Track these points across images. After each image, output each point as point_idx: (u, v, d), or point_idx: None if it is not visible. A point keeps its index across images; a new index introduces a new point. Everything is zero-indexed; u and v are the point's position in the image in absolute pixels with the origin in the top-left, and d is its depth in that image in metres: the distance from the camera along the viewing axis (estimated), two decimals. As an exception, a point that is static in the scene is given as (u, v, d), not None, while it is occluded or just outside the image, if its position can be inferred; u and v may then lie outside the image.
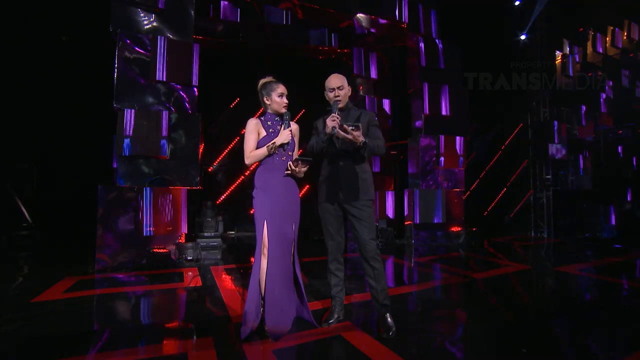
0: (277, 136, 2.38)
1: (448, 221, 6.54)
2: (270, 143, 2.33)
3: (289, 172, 2.35)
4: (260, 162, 2.40)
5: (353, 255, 5.04)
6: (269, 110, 2.47)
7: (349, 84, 2.53)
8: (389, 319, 2.37)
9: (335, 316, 2.53)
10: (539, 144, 7.85)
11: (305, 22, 7.10)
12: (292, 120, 2.49)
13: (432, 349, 2.22)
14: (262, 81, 2.49)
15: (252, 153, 2.36)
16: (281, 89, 2.42)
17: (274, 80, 2.47)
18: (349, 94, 2.52)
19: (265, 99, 2.45)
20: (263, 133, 2.41)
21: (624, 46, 9.57)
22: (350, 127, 2.21)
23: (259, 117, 2.48)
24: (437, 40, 6.67)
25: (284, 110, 2.42)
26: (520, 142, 8.38)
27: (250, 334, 2.22)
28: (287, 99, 2.44)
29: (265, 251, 2.28)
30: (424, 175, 6.46)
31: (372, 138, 2.41)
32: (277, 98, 2.41)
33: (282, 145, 2.37)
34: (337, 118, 2.27)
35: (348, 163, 2.42)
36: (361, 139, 2.25)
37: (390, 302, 2.41)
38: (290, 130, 2.39)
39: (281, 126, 2.41)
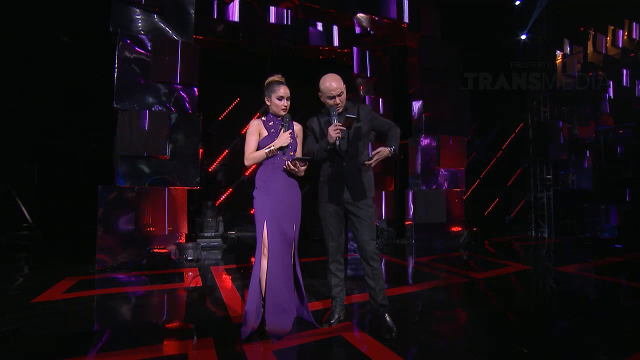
0: (278, 136, 2.38)
1: (448, 221, 6.54)
2: (268, 146, 2.33)
3: (287, 169, 2.34)
4: (261, 162, 2.40)
5: (353, 256, 5.04)
6: (270, 111, 2.46)
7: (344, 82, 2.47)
8: (388, 319, 2.37)
9: (336, 316, 2.52)
10: (539, 144, 7.84)
11: (306, 22, 7.10)
12: (292, 120, 2.48)
13: (433, 349, 2.22)
14: (267, 79, 2.46)
15: (251, 155, 2.36)
16: (282, 91, 2.39)
17: (277, 80, 2.43)
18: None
19: (266, 99, 2.45)
20: (265, 133, 2.40)
21: (625, 46, 9.58)
22: (374, 151, 2.30)
23: (261, 117, 2.47)
24: (437, 40, 6.66)
25: (282, 113, 2.40)
26: (521, 142, 8.38)
27: (251, 334, 2.22)
28: (287, 101, 2.41)
29: (266, 251, 2.28)
30: (424, 175, 6.46)
31: (385, 127, 2.50)
32: (276, 100, 2.39)
33: (281, 148, 2.35)
34: (339, 126, 2.26)
35: (352, 163, 2.40)
36: (387, 151, 2.31)
37: (387, 303, 2.41)
38: (290, 132, 2.38)
39: (281, 128, 2.40)
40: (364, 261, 2.40)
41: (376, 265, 2.38)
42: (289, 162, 2.30)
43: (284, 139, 2.34)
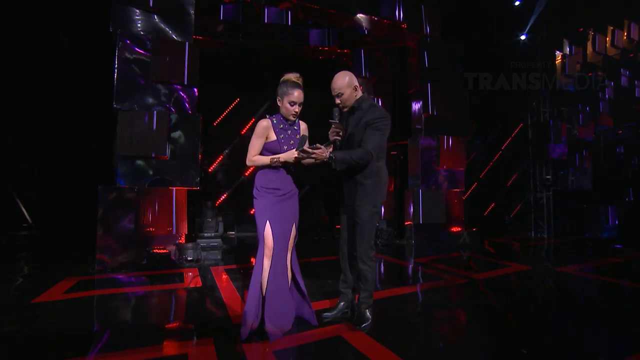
0: (285, 143, 2.34)
1: (448, 221, 6.54)
2: (274, 156, 2.29)
3: (314, 157, 2.20)
4: None
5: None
6: (280, 112, 2.38)
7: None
8: (363, 311, 2.45)
9: (338, 310, 2.57)
10: (539, 144, 7.85)
11: (306, 23, 7.10)
12: (298, 120, 2.46)
13: (432, 350, 2.22)
14: (284, 77, 2.36)
15: (254, 157, 2.32)
16: (294, 96, 2.28)
17: (293, 81, 2.32)
18: (356, 92, 2.45)
19: (278, 100, 2.35)
20: (273, 137, 2.32)
21: (624, 46, 9.58)
22: (311, 146, 2.17)
23: (271, 117, 2.37)
24: (437, 40, 6.66)
25: (292, 119, 2.34)
26: (520, 142, 8.38)
27: (250, 334, 2.22)
28: (300, 107, 2.32)
29: (267, 251, 2.28)
30: (424, 175, 6.46)
31: (364, 142, 2.33)
32: (287, 104, 2.30)
33: (286, 163, 2.30)
34: (334, 128, 2.33)
35: (348, 170, 2.42)
36: (325, 155, 2.19)
37: (369, 301, 2.46)
38: (300, 153, 2.24)
39: (291, 135, 2.35)
40: (355, 261, 2.48)
41: (362, 267, 2.42)
42: (300, 152, 2.21)
43: (290, 156, 2.26)
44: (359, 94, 2.48)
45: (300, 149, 2.20)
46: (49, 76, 5.96)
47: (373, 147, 2.31)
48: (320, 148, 2.18)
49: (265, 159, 2.30)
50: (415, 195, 6.37)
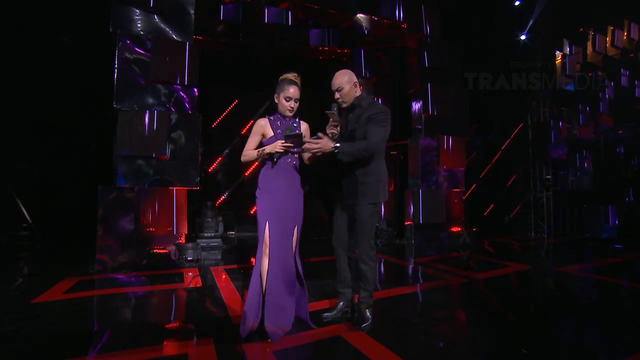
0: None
1: (448, 221, 6.54)
2: (260, 149, 2.32)
3: (318, 147, 2.18)
4: (264, 162, 2.38)
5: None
6: (278, 110, 2.42)
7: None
8: (363, 311, 2.45)
9: (338, 310, 2.57)
10: (539, 144, 7.85)
11: (306, 23, 7.10)
12: (300, 120, 2.46)
13: (432, 350, 2.22)
14: (281, 76, 2.41)
15: (247, 152, 2.37)
16: (291, 92, 2.34)
17: (289, 79, 2.38)
18: (355, 89, 2.46)
19: (275, 97, 2.40)
20: (270, 133, 2.37)
21: (624, 46, 9.57)
22: (314, 137, 2.17)
23: (269, 115, 2.42)
24: (437, 40, 6.66)
25: (288, 114, 2.37)
26: (520, 142, 8.38)
27: (250, 334, 2.22)
28: (296, 103, 2.36)
29: (267, 250, 2.28)
30: (424, 175, 6.46)
31: (367, 135, 2.32)
32: (283, 100, 2.35)
33: (270, 155, 2.30)
34: (332, 122, 2.34)
35: (349, 166, 2.41)
36: (329, 146, 2.16)
37: (369, 301, 2.47)
38: (283, 144, 2.26)
39: (285, 131, 2.36)
40: (356, 261, 2.48)
41: (364, 267, 2.42)
42: (281, 144, 2.22)
43: (275, 147, 2.26)
44: (359, 92, 2.49)
45: (286, 134, 2.21)
46: (49, 76, 5.96)
47: (377, 140, 2.31)
48: (323, 138, 2.17)
49: (254, 153, 2.33)
50: (415, 195, 6.37)
